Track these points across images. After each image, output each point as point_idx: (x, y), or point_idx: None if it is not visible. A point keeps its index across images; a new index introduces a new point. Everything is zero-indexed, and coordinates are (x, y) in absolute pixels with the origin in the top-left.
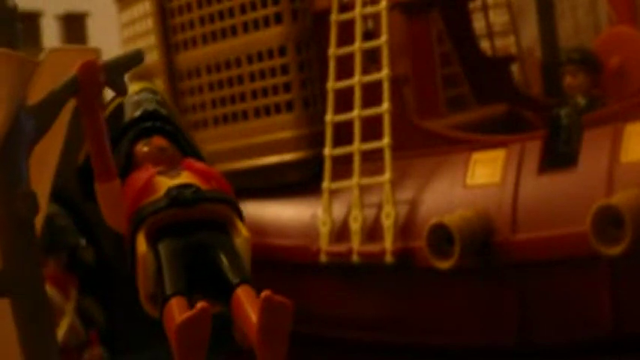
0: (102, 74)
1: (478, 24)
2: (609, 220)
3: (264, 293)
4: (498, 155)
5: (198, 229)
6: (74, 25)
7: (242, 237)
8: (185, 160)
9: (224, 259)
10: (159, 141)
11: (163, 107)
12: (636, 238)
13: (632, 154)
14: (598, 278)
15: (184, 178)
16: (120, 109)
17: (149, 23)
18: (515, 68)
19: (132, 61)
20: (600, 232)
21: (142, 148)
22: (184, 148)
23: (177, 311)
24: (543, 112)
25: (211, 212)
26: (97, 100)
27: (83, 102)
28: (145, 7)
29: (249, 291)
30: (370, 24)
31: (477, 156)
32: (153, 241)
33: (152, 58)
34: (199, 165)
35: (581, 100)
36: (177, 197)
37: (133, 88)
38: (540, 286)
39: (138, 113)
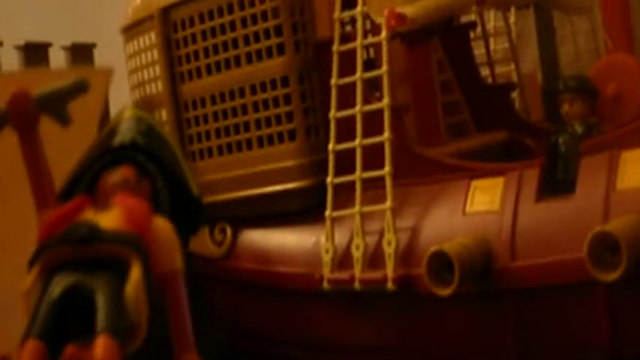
0: (33, 105)
1: (479, 51)
2: (606, 247)
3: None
4: (497, 183)
5: (95, 268)
6: (81, 56)
7: (131, 281)
8: (121, 195)
9: (100, 304)
10: (126, 171)
11: (145, 137)
12: (632, 263)
13: (628, 181)
14: (595, 304)
15: (108, 214)
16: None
17: (154, 54)
18: (515, 95)
19: (74, 90)
20: (597, 258)
21: (107, 177)
22: (155, 178)
23: (25, 356)
24: (543, 139)
25: (108, 252)
26: (31, 130)
27: (16, 131)
28: (151, 39)
29: (104, 342)
30: (371, 52)
31: (477, 183)
32: (48, 277)
33: (157, 88)
34: (130, 202)
35: (578, 128)
36: (70, 235)
37: (124, 114)
38: (539, 312)
39: (114, 142)
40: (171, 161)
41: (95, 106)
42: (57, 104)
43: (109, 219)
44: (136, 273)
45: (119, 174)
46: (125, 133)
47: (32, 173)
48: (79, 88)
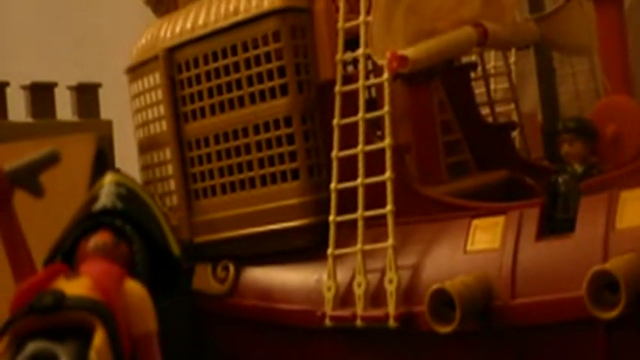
0: (6, 180)
1: (479, 90)
2: (605, 285)
3: None
4: (498, 222)
5: (63, 336)
6: (86, 96)
7: (94, 347)
8: (90, 261)
9: None
10: (101, 236)
11: (124, 201)
12: (631, 302)
13: (627, 221)
14: (595, 342)
15: (76, 281)
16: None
17: (159, 94)
18: (515, 134)
19: (45, 162)
20: (596, 296)
21: (85, 243)
22: (133, 241)
23: None
24: (543, 178)
25: (73, 319)
26: (5, 204)
27: None
28: (155, 79)
29: None
30: (373, 91)
31: (477, 222)
32: (18, 346)
33: (161, 127)
34: (97, 267)
35: (578, 168)
36: (36, 305)
37: (105, 179)
38: (540, 350)
39: (94, 208)
40: (151, 223)
41: (82, 171)
42: (29, 177)
43: (77, 286)
44: (99, 338)
45: (95, 239)
46: (105, 198)
47: (8, 246)
48: (51, 160)
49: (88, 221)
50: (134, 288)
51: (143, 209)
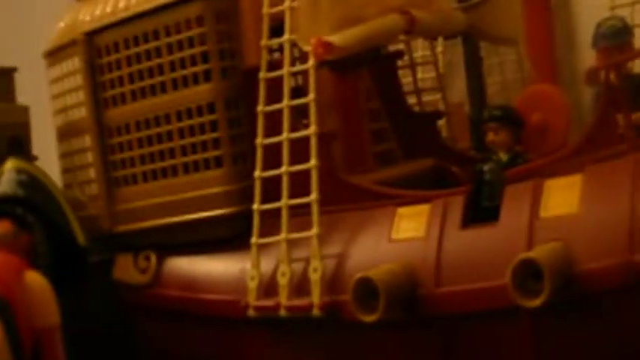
0: None
1: (407, 79)
2: (529, 274)
3: None
4: (423, 210)
5: None
6: (1, 80)
7: None
8: None
9: None
10: (2, 226)
11: (26, 188)
12: (555, 290)
13: (551, 209)
14: (520, 330)
15: None
16: None
17: (78, 79)
18: (442, 123)
19: None
20: (520, 285)
21: None
22: (35, 231)
23: None
24: (469, 167)
25: None
26: None
27: None
28: (74, 64)
29: None
30: (300, 79)
31: (402, 211)
32: None
33: (81, 113)
34: None
35: (503, 156)
36: None
37: (5, 166)
38: (465, 338)
39: None
40: (54, 212)
41: None
42: None
43: None
44: None
45: None
46: (4, 185)
47: None
48: None
49: None
50: (35, 280)
51: (46, 197)
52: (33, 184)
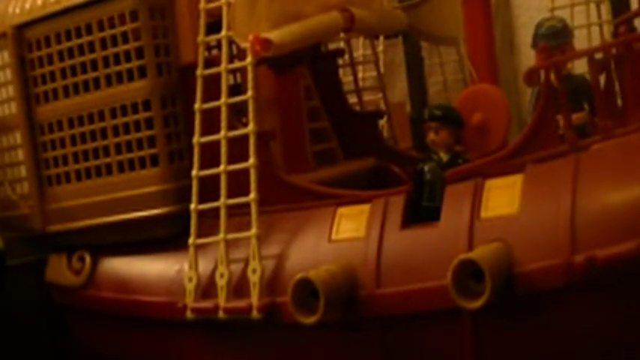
0: None
1: (347, 78)
2: (470, 274)
3: None
4: (363, 210)
5: None
6: None
7: None
8: None
9: None
10: None
11: None
12: (496, 291)
13: (492, 210)
14: (460, 331)
15: None
16: None
17: (7, 74)
18: (383, 123)
19: None
20: (461, 285)
21: None
22: None
23: None
24: (411, 167)
25: None
26: None
27: None
28: (4, 58)
29: None
30: (239, 77)
31: (343, 211)
32: None
33: (11, 109)
34: None
35: (444, 156)
36: None
37: None
38: (404, 339)
39: None
40: None
41: None
42: None
43: None
44: None
45: None
46: None
47: None
48: None
49: None
50: None
51: None
52: None
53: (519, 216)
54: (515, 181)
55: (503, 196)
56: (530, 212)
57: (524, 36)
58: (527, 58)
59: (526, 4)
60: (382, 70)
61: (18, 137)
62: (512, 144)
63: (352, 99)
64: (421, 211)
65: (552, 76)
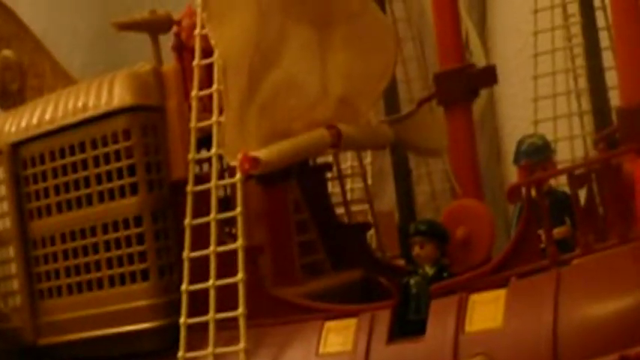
0: None
1: (336, 189)
2: None
3: None
4: (350, 324)
5: None
6: None
7: None
8: None
9: None
10: None
11: None
12: None
13: (476, 324)
14: None
15: None
16: None
17: (2, 190)
18: (371, 233)
19: None
20: None
21: None
22: None
23: None
24: (398, 278)
25: None
26: None
27: None
28: None
29: None
30: (228, 189)
31: (330, 325)
32: None
33: (5, 224)
34: None
35: (429, 270)
36: None
37: None
38: None
39: None
40: None
41: None
42: None
43: None
44: None
45: None
46: None
47: None
48: None
49: None
50: None
51: None
52: None
53: (503, 330)
54: (499, 295)
55: (487, 310)
56: (513, 326)
57: (509, 145)
58: (513, 167)
59: (509, 114)
60: (370, 180)
61: (11, 251)
62: (496, 259)
63: (340, 209)
64: (407, 324)
65: (533, 192)
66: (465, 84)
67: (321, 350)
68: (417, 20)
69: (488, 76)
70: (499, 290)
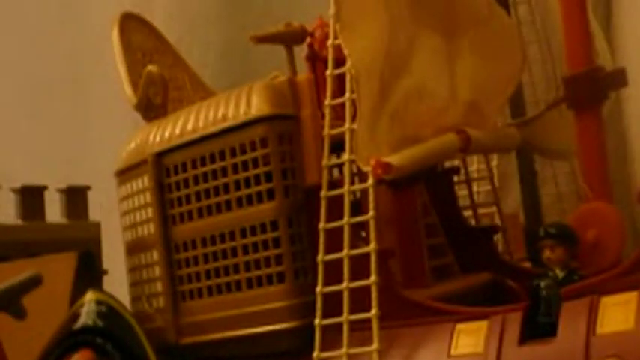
0: None
1: (463, 193)
2: None
3: None
4: (481, 326)
5: None
6: (76, 199)
7: None
8: None
9: None
10: (84, 355)
11: (105, 319)
12: None
13: (607, 326)
14: None
15: None
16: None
17: (147, 197)
18: (498, 236)
19: (28, 285)
20: None
21: None
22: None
23: None
24: (525, 281)
25: None
26: None
27: None
28: (144, 182)
29: None
30: (358, 193)
31: (461, 327)
32: None
33: (149, 230)
34: None
35: (559, 272)
36: None
37: (86, 297)
38: None
39: (75, 326)
40: (131, 341)
41: (63, 289)
42: (12, 301)
43: None
44: None
45: (77, 358)
46: (85, 316)
47: None
48: (33, 283)
49: (69, 340)
50: None
51: (124, 327)
52: (111, 315)
53: (635, 332)
54: (630, 297)
55: (618, 313)
56: None
57: (638, 144)
58: None
59: (638, 113)
60: (496, 183)
61: (155, 255)
62: (627, 261)
63: (467, 213)
64: (538, 326)
65: None
66: (595, 87)
67: (452, 352)
68: (541, 22)
69: (618, 78)
70: (630, 293)
